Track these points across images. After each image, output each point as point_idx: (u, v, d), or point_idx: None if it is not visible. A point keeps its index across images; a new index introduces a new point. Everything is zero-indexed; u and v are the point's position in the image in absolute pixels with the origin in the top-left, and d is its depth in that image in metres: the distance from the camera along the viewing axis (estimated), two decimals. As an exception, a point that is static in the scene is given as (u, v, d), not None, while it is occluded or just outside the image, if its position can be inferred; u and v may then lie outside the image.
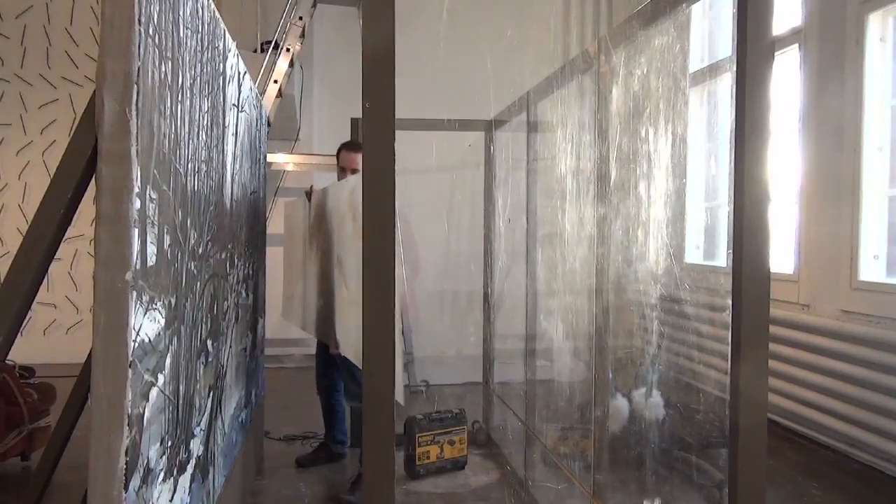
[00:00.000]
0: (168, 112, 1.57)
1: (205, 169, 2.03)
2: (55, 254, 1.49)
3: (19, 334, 1.53)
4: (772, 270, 1.41)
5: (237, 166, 2.68)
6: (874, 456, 3.59)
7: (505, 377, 4.32)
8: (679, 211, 3.69)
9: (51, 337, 6.03)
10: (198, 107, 1.89)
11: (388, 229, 1.30)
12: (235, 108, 2.57)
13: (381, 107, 1.30)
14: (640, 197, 2.85)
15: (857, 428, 3.65)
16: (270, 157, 4.72)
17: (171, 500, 1.74)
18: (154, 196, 1.45)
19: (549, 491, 3.24)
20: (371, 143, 1.30)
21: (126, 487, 1.34)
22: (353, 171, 3.43)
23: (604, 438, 2.47)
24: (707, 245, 4.87)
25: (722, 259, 4.47)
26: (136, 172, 1.34)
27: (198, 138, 1.91)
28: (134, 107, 1.33)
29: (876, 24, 3.73)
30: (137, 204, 1.32)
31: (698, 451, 3.29)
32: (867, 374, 3.56)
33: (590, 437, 2.57)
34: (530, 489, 3.34)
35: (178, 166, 1.67)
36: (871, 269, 3.78)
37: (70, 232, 1.61)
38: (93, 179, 1.35)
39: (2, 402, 3.41)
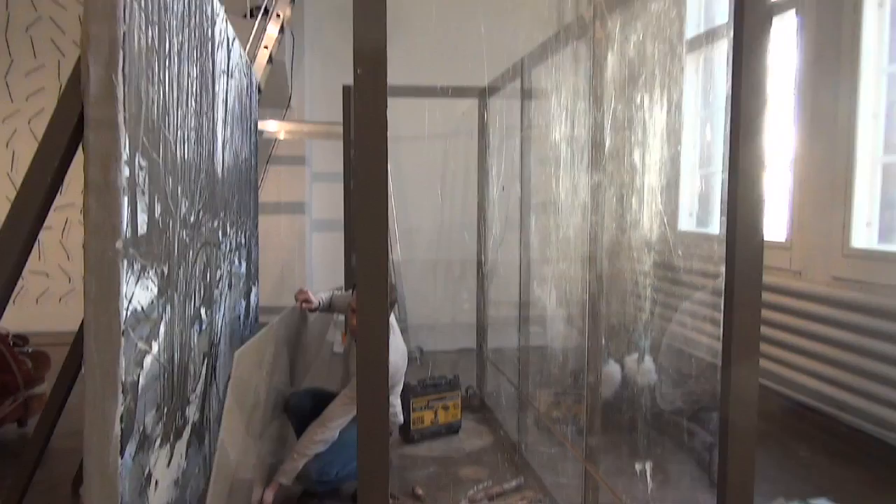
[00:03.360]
0: (156, 78, 1.54)
1: (195, 136, 2.00)
2: (44, 222, 1.47)
3: (11, 302, 1.53)
4: (765, 237, 1.41)
5: (228, 134, 2.64)
6: (862, 419, 3.65)
7: (498, 344, 4.35)
8: (673, 178, 3.69)
9: (43, 305, 6.02)
10: (186, 73, 1.86)
11: (381, 197, 1.29)
12: (225, 75, 2.53)
13: (373, 73, 1.28)
14: (635, 164, 2.84)
15: (846, 392, 3.70)
16: (261, 125, 4.67)
17: (168, 466, 1.76)
18: (143, 164, 1.44)
19: (541, 455, 3.29)
20: (363, 111, 1.28)
21: (122, 454, 1.35)
22: None
23: (596, 403, 2.50)
24: (701, 212, 4.88)
25: (715, 226, 4.48)
26: (124, 140, 1.32)
27: (187, 105, 1.88)
28: (120, 72, 1.30)
29: (874, -12, 3.69)
30: (126, 172, 1.31)
31: (689, 415, 3.34)
32: (857, 340, 3.60)
33: (582, 402, 2.60)
34: (523, 453, 3.38)
35: (167, 133, 1.65)
36: (863, 236, 3.79)
37: (60, 200, 1.60)
38: (80, 147, 1.33)
39: (-4, 370, 3.42)
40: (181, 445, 1.92)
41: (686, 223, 4.94)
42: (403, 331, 5.33)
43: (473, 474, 3.25)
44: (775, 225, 4.37)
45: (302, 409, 3.07)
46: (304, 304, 3.25)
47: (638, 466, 2.70)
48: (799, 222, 4.22)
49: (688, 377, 3.52)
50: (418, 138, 5.36)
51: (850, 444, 3.63)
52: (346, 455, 2.79)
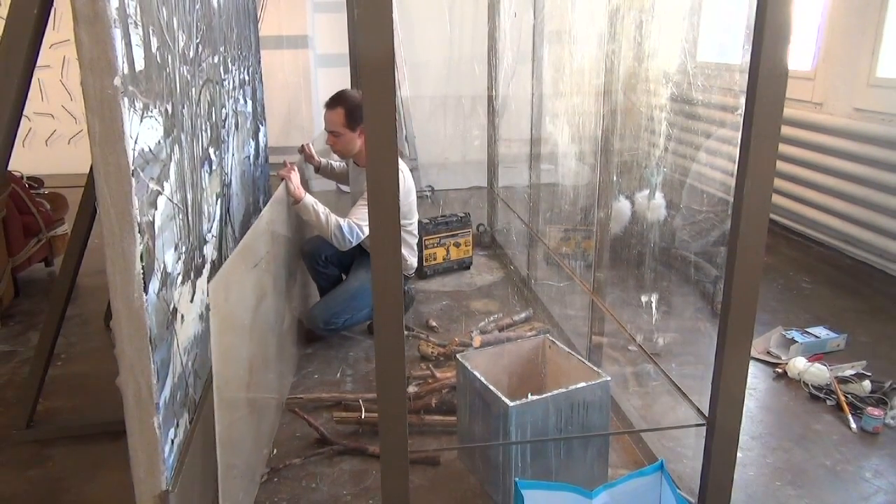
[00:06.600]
0: None
1: (185, -38, 1.87)
2: (37, 58, 1.42)
3: (20, 144, 1.51)
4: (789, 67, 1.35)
5: (221, -41, 2.46)
6: (868, 252, 3.70)
7: (509, 181, 4.35)
8: (697, 1, 3.46)
9: (54, 147, 6.00)
10: None
11: (385, 29, 1.21)
12: None
13: None
14: (657, -14, 2.66)
15: (855, 225, 3.72)
16: (257, -51, 4.34)
17: (191, 301, 1.83)
18: (133, -8, 1.35)
19: (550, 288, 3.40)
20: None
21: (146, 290, 1.40)
22: (332, 134, 2.98)
23: (605, 239, 2.54)
24: (724, 40, 4.63)
25: (735, 56, 4.28)
26: (110, -35, 1.23)
27: (174, -75, 1.73)
28: None
29: None
30: (115, 1, 1.23)
31: (696, 250, 3.40)
32: (873, 174, 3.56)
33: (591, 238, 2.63)
34: (533, 287, 3.50)
35: (155, -42, 1.54)
36: (891, 65, 3.62)
37: (55, 36, 1.53)
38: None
39: (16, 212, 3.47)
40: (202, 282, 1.99)
41: (706, 53, 4.71)
42: (413, 169, 5.34)
43: (484, 307, 3.38)
44: (800, 53, 4.16)
45: (316, 254, 3.15)
46: (308, 160, 3.33)
47: (644, 298, 2.79)
48: (826, 50, 4.01)
49: (698, 212, 3.53)
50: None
51: (853, 276, 3.71)
52: (355, 305, 2.98)
